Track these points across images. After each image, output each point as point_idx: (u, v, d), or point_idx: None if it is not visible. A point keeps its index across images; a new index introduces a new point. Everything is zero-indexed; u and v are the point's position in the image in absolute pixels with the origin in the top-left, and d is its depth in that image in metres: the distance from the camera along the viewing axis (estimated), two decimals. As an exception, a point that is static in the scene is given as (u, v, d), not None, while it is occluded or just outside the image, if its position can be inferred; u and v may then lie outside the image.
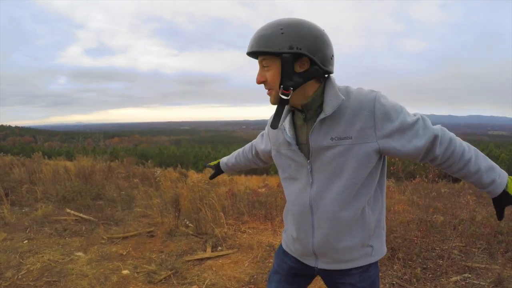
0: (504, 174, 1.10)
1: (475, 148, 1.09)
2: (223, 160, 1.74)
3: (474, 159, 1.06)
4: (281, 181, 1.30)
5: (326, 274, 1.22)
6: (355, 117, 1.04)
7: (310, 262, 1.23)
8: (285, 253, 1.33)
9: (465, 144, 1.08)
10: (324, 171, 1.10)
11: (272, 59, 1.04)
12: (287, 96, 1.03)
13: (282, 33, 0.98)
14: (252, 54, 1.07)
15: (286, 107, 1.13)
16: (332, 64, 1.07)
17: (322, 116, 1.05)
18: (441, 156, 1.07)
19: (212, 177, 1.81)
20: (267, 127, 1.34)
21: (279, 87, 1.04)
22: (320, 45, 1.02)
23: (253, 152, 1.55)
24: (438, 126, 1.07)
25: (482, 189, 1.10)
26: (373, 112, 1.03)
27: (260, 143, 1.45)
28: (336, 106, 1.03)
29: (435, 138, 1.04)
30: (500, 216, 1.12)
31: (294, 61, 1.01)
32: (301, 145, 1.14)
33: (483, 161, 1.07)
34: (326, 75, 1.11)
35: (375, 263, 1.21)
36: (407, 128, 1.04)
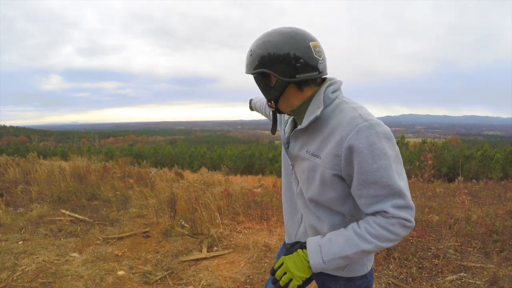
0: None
1: (372, 247, 0.97)
2: (254, 100, 1.85)
3: (353, 250, 0.97)
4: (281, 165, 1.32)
5: (316, 274, 1.20)
6: (329, 137, 1.00)
7: None
8: (285, 244, 1.37)
9: (377, 244, 0.96)
10: (300, 178, 1.13)
11: None
12: (272, 108, 1.12)
13: (250, 55, 1.05)
14: None
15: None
16: (302, 71, 0.99)
17: (298, 127, 1.06)
18: (365, 216, 1.02)
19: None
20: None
21: None
22: (276, 57, 0.99)
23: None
24: (406, 215, 0.94)
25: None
26: (344, 141, 0.94)
27: None
28: (311, 120, 1.01)
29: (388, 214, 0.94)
30: None
31: (266, 77, 1.05)
32: None
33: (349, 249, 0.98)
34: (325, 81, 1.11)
35: (365, 274, 1.16)
36: (378, 184, 0.93)
